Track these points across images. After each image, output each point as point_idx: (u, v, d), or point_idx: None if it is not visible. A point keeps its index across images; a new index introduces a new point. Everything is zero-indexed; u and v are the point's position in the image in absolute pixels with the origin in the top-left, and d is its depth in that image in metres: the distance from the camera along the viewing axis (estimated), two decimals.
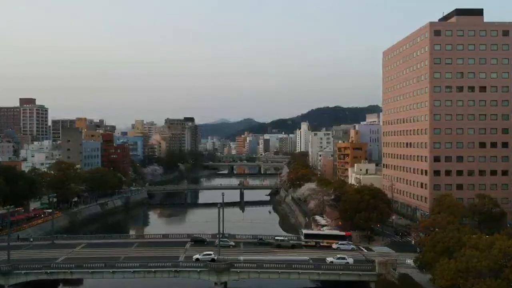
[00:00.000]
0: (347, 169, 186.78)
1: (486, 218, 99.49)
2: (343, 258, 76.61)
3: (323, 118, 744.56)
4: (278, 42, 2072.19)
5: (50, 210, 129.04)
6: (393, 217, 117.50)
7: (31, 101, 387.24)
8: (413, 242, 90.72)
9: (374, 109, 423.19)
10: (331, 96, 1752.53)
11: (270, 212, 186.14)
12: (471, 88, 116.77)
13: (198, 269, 73.49)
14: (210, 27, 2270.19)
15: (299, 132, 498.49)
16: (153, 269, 73.23)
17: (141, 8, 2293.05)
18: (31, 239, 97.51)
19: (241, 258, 78.85)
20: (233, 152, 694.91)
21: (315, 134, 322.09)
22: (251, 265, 74.16)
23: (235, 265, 74.09)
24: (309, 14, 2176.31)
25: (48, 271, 72.56)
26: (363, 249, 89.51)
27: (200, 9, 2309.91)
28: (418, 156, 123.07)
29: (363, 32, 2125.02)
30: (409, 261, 71.09)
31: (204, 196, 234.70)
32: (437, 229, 72.15)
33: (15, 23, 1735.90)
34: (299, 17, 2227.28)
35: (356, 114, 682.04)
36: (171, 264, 74.20)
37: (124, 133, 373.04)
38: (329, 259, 76.98)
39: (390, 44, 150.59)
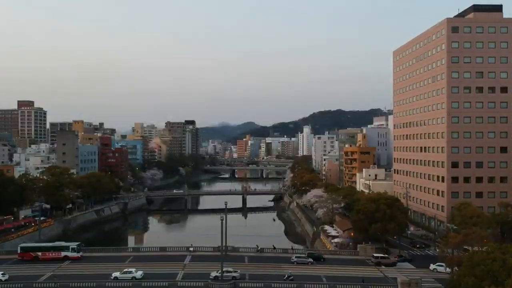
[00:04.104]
0: (354, 174, 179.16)
1: (510, 229, 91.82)
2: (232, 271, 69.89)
3: (325, 121, 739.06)
4: (279, 46, 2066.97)
5: (42, 218, 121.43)
6: (412, 228, 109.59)
7: (29, 103, 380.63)
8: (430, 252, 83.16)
9: (376, 113, 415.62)
10: (332, 100, 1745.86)
11: (274, 220, 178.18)
12: (492, 89, 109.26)
13: None
14: (211, 30, 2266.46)
15: (301, 136, 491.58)
16: None
17: (142, 11, 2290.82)
18: None
19: None
20: (235, 155, 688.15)
21: (319, 138, 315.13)
22: (258, 284, 66.24)
23: (240, 284, 66.17)
24: (309, 18, 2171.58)
25: None
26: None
27: (200, 12, 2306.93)
28: (434, 161, 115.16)
29: (364, 35, 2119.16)
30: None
31: (205, 202, 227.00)
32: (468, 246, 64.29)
33: (14, 25, 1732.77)
34: (299, 21, 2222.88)
35: (358, 118, 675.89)
36: (168, 283, 66.27)
37: (124, 137, 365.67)
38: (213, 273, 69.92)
39: (392, 46, 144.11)
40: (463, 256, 56.46)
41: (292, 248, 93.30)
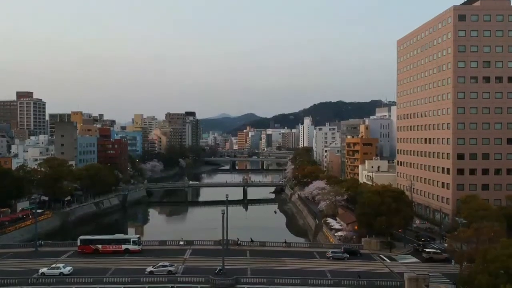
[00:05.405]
0: (356, 166, 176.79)
1: None
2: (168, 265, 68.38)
3: (326, 112, 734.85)
4: (279, 38, 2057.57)
5: (40, 211, 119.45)
6: (417, 221, 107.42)
7: (28, 94, 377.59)
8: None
9: (377, 104, 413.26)
10: (333, 91, 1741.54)
11: (275, 212, 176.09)
12: (499, 79, 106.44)
13: (199, 285, 63.50)
14: (211, 22, 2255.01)
15: (302, 127, 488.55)
16: (146, 285, 63.29)
17: (142, 3, 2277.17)
18: (42, 243, 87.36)
19: None
20: (235, 147, 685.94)
21: (320, 129, 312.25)
22: (260, 280, 64.13)
23: (242, 280, 64.08)
24: (309, 10, 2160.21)
25: (25, 287, 62.65)
26: (385, 259, 79.29)
27: (201, 4, 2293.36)
28: (439, 153, 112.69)
29: (365, 26, 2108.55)
30: None
31: (206, 194, 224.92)
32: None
33: (14, 19, 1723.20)
34: (299, 13, 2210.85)
35: (359, 109, 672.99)
36: (167, 279, 64.16)
37: (123, 128, 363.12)
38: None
39: (395, 36, 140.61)
40: (475, 251, 54.17)
41: (286, 242, 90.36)
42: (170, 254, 79.22)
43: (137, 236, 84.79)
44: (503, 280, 43.02)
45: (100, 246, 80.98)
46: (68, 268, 68.07)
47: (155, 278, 64.35)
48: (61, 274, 66.22)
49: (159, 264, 68.75)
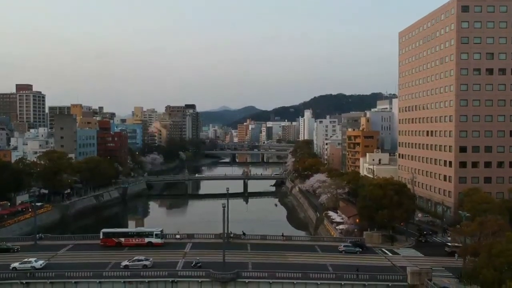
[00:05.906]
0: (357, 159, 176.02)
1: None
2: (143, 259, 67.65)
3: (326, 105, 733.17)
4: (279, 30, 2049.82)
5: (39, 204, 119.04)
6: (419, 214, 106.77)
7: (28, 87, 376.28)
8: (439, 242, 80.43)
9: (378, 97, 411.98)
10: (333, 84, 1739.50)
11: (276, 205, 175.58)
12: (502, 71, 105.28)
13: (200, 279, 62.86)
14: (211, 14, 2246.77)
15: (302, 120, 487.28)
16: (146, 279, 62.59)
17: (142, 3, 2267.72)
18: (41, 236, 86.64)
19: None
20: (235, 140, 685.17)
21: (321, 122, 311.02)
22: (261, 274, 63.54)
23: (243, 274, 63.47)
24: (309, 2, 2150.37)
25: (24, 281, 62.07)
26: (387, 252, 78.69)
27: (201, 4, 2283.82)
28: (441, 145, 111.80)
29: (364, 19, 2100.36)
30: None
31: (206, 186, 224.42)
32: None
33: (15, 12, 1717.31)
34: (299, 5, 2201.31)
35: (359, 101, 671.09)
36: (167, 273, 63.51)
37: (123, 121, 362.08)
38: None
39: (394, 28, 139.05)
40: (479, 245, 53.50)
41: (283, 235, 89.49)
42: (170, 248, 78.71)
43: (160, 229, 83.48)
44: (509, 275, 42.34)
45: (122, 239, 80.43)
46: (40, 262, 67.01)
47: (156, 273, 63.70)
48: (32, 268, 65.11)
49: (134, 258, 68.06)
